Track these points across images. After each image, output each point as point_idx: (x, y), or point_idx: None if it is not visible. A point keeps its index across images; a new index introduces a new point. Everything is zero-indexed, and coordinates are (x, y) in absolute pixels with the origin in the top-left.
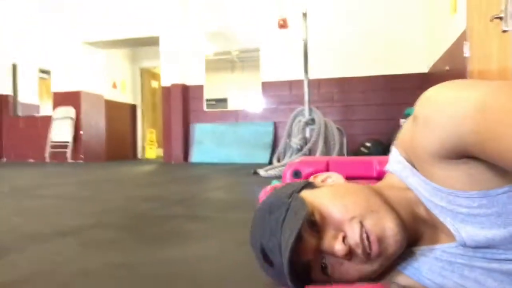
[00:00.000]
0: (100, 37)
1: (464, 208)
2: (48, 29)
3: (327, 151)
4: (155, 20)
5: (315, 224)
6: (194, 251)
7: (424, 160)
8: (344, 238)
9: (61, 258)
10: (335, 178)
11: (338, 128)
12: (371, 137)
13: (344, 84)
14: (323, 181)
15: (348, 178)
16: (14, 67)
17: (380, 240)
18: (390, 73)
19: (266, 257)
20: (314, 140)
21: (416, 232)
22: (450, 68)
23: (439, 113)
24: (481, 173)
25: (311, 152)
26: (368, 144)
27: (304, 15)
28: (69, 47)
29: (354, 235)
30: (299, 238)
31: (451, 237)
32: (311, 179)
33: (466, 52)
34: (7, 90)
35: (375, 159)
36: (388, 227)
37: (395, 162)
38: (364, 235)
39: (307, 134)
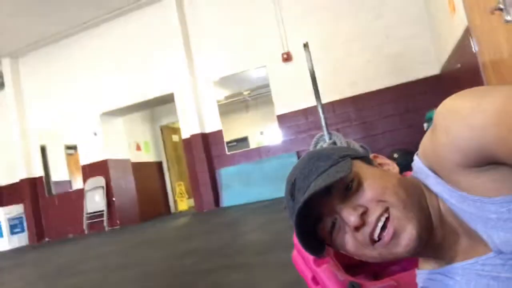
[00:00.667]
0: (118, 104)
1: (493, 214)
2: (67, 107)
3: None
4: (167, 80)
5: (348, 190)
6: None
7: (449, 168)
8: (363, 214)
9: None
10: (392, 167)
11: (362, 146)
12: (397, 147)
13: (358, 102)
14: (380, 164)
15: None
16: (43, 149)
17: (395, 234)
18: (402, 82)
19: (292, 191)
20: None
21: (447, 241)
22: (462, 65)
23: (459, 123)
24: (507, 177)
25: None
26: (395, 156)
27: (305, 45)
28: (90, 120)
29: (373, 215)
30: (327, 193)
31: (487, 247)
32: (371, 156)
33: (474, 47)
34: (40, 172)
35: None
36: (409, 230)
37: (419, 171)
38: (381, 223)
39: None
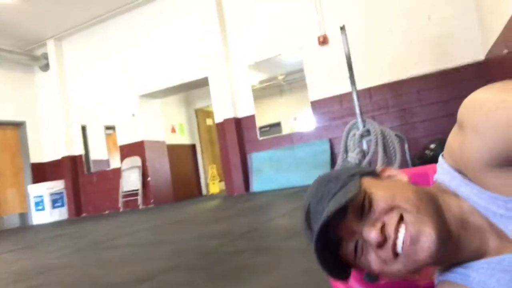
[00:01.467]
0: (155, 87)
1: None
2: (107, 89)
3: (388, 161)
4: (202, 63)
5: (362, 209)
6: (263, 286)
7: (476, 169)
8: (382, 228)
9: None
10: (400, 177)
11: (397, 135)
12: (435, 137)
13: (396, 88)
14: (389, 176)
15: None
16: (84, 129)
17: (413, 240)
18: (443, 68)
19: (307, 218)
20: (373, 151)
21: (475, 241)
22: (510, 51)
23: (485, 120)
24: None
25: (371, 165)
26: (432, 146)
27: (342, 28)
28: (129, 102)
29: (391, 225)
30: (342, 215)
31: None
32: (377, 169)
33: None
34: (80, 151)
35: (430, 168)
36: (426, 232)
37: (444, 172)
38: (401, 234)
39: (365, 147)
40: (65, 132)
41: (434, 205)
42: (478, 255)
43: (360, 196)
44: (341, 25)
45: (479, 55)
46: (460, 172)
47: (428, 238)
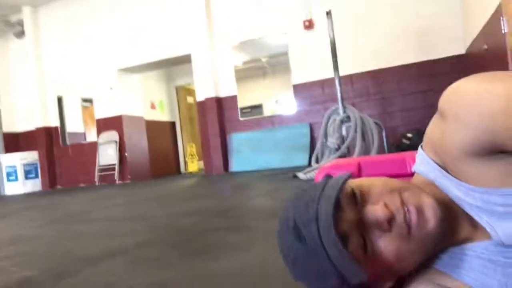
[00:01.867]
0: (135, 62)
1: (499, 206)
2: (85, 60)
3: (366, 147)
4: (185, 40)
5: (354, 197)
6: (237, 263)
7: (456, 157)
8: (385, 205)
9: (113, 278)
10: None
11: (376, 123)
12: (412, 127)
13: (378, 77)
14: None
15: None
16: (60, 100)
17: (419, 211)
18: (424, 59)
19: (297, 232)
20: (352, 137)
21: (452, 228)
22: (489, 47)
23: (468, 109)
24: None
25: (349, 150)
26: (409, 135)
27: (328, 13)
28: (107, 75)
29: (395, 202)
30: (338, 207)
31: (488, 235)
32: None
33: (504, 28)
34: (56, 122)
35: (407, 155)
36: (426, 201)
37: (423, 163)
38: (411, 206)
39: (344, 132)
40: (40, 102)
41: (420, 188)
42: (453, 243)
43: (347, 189)
44: (327, 10)
45: (460, 49)
46: (439, 164)
47: (430, 205)
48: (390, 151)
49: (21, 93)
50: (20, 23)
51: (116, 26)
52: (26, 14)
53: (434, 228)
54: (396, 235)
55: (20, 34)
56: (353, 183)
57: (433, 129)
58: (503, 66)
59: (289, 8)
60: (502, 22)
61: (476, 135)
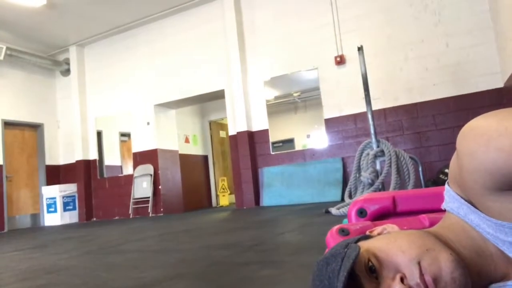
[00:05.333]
0: (171, 97)
1: None
2: (124, 96)
3: (401, 182)
4: (219, 76)
5: (373, 271)
6: None
7: (479, 194)
8: (402, 279)
9: None
10: (390, 229)
11: (411, 157)
12: (449, 162)
13: (412, 111)
14: (379, 233)
15: (418, 212)
16: (99, 134)
17: (436, 279)
18: (461, 93)
19: None
20: (386, 172)
21: (486, 268)
22: None
23: (485, 147)
24: None
25: (384, 185)
26: (447, 171)
27: (360, 49)
28: (145, 110)
29: (414, 276)
30: (355, 283)
31: None
32: (367, 233)
33: None
34: (94, 155)
35: (443, 190)
36: (444, 265)
37: (451, 200)
38: (429, 276)
39: (378, 167)
40: (81, 136)
41: (436, 238)
42: (493, 279)
43: (364, 256)
44: (359, 46)
45: (498, 83)
46: (465, 199)
47: (448, 270)
48: (427, 187)
49: (64, 127)
50: (67, 62)
51: (153, 63)
52: (72, 54)
53: (457, 282)
54: None
55: (66, 72)
56: (370, 249)
57: (454, 167)
58: None
59: (321, 44)
60: None
61: (495, 171)
